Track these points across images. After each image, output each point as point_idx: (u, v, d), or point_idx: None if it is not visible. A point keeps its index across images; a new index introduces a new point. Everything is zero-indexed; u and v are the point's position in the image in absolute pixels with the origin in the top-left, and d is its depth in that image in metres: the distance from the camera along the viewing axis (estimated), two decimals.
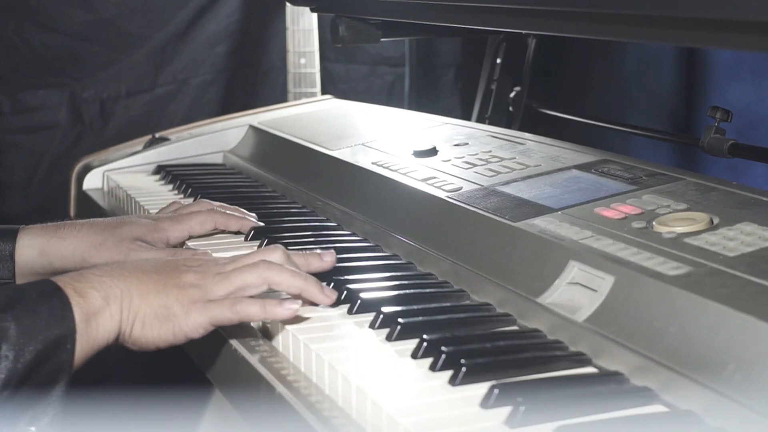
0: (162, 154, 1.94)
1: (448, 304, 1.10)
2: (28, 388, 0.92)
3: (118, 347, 1.03)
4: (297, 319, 1.06)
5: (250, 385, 1.01)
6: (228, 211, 1.40)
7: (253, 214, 1.43)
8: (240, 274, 1.06)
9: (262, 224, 1.40)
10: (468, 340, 0.99)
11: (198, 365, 1.20)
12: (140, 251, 1.28)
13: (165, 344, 1.03)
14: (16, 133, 2.82)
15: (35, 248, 1.29)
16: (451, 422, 0.81)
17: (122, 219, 1.36)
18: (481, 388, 0.85)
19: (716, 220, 1.02)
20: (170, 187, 1.76)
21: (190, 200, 1.61)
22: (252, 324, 1.11)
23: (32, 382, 0.92)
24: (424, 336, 0.96)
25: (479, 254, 1.15)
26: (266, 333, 1.09)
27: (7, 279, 1.29)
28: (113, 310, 1.00)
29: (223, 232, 1.39)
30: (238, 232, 1.39)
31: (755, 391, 0.77)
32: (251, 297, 1.05)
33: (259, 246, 1.33)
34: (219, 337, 1.10)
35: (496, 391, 0.83)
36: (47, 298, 0.96)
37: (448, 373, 0.89)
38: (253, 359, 1.02)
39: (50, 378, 0.94)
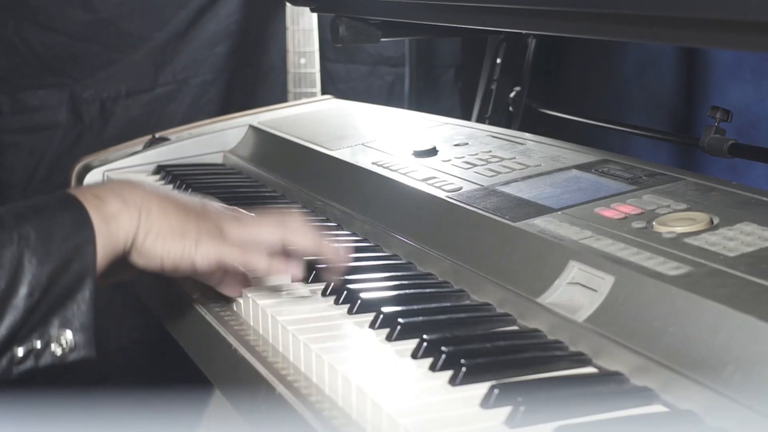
0: (162, 154, 1.94)
1: (448, 304, 1.10)
2: (54, 293, 0.93)
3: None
4: (296, 318, 1.06)
5: (250, 385, 1.01)
6: None
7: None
8: (258, 228, 1.09)
9: None
10: (468, 340, 0.99)
11: (198, 365, 1.20)
12: None
13: (170, 263, 1.04)
14: (16, 133, 2.82)
15: None
16: (451, 422, 0.81)
17: None
18: (481, 388, 0.85)
19: (716, 220, 1.02)
20: (170, 187, 1.76)
21: None
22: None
23: (58, 286, 0.93)
24: (424, 336, 0.96)
25: (479, 254, 1.15)
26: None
27: None
28: (132, 213, 1.01)
29: None
30: None
31: (755, 391, 0.77)
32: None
33: None
34: (218, 335, 1.10)
35: (496, 391, 0.83)
36: (66, 203, 0.98)
37: (448, 373, 0.89)
38: (253, 359, 1.02)
39: (76, 281, 0.95)
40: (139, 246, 1.03)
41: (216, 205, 1.14)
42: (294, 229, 1.10)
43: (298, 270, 1.08)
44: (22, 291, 0.91)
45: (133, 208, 1.01)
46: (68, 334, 0.94)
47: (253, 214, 1.14)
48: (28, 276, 0.92)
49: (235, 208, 1.43)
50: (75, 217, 0.97)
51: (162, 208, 1.04)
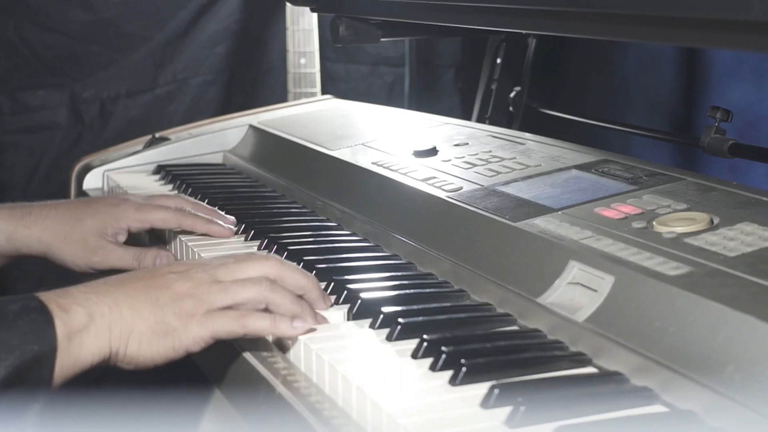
0: (162, 154, 1.94)
1: (448, 304, 1.10)
2: (3, 404, 0.88)
3: None
4: None
5: (250, 385, 1.01)
6: (200, 213, 1.38)
7: (231, 218, 1.42)
8: (242, 289, 1.01)
9: (234, 229, 1.39)
10: (468, 340, 0.98)
11: (198, 365, 1.20)
12: (105, 252, 1.30)
13: (164, 360, 0.99)
14: (16, 133, 2.82)
15: (2, 233, 1.31)
16: (451, 422, 0.81)
17: (87, 206, 1.35)
18: (481, 388, 0.85)
19: (716, 220, 1.02)
20: (170, 187, 1.76)
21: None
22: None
23: (8, 398, 0.88)
24: (424, 336, 0.96)
25: (479, 254, 1.15)
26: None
27: None
28: (99, 327, 0.95)
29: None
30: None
31: (755, 391, 0.77)
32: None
33: (259, 247, 1.33)
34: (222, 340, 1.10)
35: (496, 391, 0.83)
36: (29, 312, 0.92)
37: (448, 373, 0.89)
38: (253, 359, 1.02)
39: (28, 395, 0.90)
40: (122, 357, 0.97)
41: (177, 265, 1.05)
42: (278, 292, 1.01)
43: (303, 326, 1.00)
44: None
45: (101, 321, 0.95)
46: None
47: (222, 261, 1.04)
48: None
49: (213, 209, 1.41)
50: (38, 324, 0.91)
51: (133, 307, 0.97)
